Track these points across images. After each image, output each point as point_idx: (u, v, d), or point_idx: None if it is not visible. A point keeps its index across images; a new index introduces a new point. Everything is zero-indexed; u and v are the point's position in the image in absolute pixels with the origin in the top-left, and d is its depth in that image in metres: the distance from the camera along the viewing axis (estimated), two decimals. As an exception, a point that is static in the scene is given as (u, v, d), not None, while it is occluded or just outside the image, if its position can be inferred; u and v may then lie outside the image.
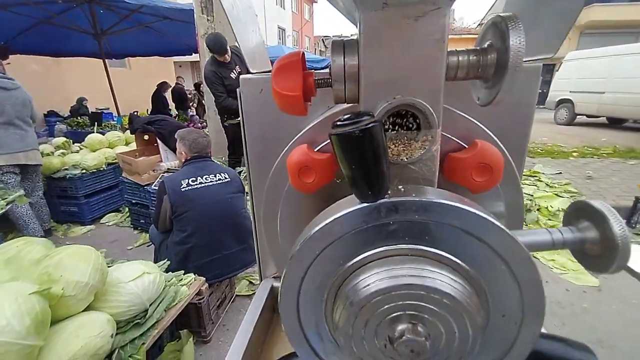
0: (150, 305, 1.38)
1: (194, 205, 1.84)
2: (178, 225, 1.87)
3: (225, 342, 1.94)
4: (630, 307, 2.16)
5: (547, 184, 4.02)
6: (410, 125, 0.32)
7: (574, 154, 5.84)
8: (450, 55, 0.30)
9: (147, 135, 3.35)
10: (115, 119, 7.29)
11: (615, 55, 8.30)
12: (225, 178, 2.01)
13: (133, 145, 3.91)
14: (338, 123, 0.24)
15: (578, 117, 9.61)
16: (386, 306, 0.24)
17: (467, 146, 0.39)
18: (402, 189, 0.28)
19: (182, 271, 1.71)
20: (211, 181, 1.93)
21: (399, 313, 0.25)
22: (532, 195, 3.74)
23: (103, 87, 6.77)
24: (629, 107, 7.99)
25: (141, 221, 3.23)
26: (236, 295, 2.33)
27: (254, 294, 2.44)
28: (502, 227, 0.26)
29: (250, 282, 2.46)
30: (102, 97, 7.70)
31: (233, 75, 3.39)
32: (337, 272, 0.27)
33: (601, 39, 13.41)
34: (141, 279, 1.38)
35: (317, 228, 0.27)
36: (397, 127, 0.32)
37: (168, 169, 2.85)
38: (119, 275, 1.36)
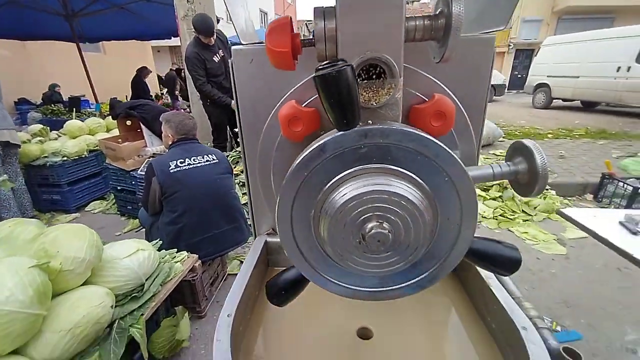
0: (146, 280, 1.44)
1: (183, 186, 1.87)
2: (168, 206, 1.91)
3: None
4: (593, 271, 2.37)
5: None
6: (378, 76, 0.39)
7: (549, 135, 6.12)
8: (409, 20, 0.37)
9: (129, 121, 3.30)
10: (92, 106, 7.04)
11: (589, 40, 8.60)
12: (213, 159, 2.04)
13: (115, 132, 3.84)
14: (319, 67, 0.30)
15: (554, 101, 9.98)
16: (359, 209, 0.32)
17: (427, 100, 0.47)
18: (371, 122, 0.35)
19: (175, 249, 1.76)
20: (199, 162, 1.97)
21: (368, 214, 0.32)
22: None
23: (77, 73, 6.50)
24: (601, 91, 8.35)
25: (128, 207, 3.23)
26: (228, 274, 2.40)
27: (245, 272, 2.50)
28: (446, 148, 0.34)
29: (241, 262, 2.54)
30: (76, 84, 7.41)
31: (216, 59, 3.36)
32: (319, 193, 0.35)
33: (579, 24, 13.79)
34: (136, 255, 1.43)
35: (302, 156, 0.34)
36: (367, 78, 0.39)
37: (154, 153, 2.85)
38: (113, 253, 1.41)
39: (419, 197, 0.32)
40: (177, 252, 1.76)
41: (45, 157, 3.31)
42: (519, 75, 17.00)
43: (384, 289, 0.40)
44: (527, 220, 3.10)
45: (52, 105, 6.48)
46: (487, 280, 0.56)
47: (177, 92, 7.73)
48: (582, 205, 3.51)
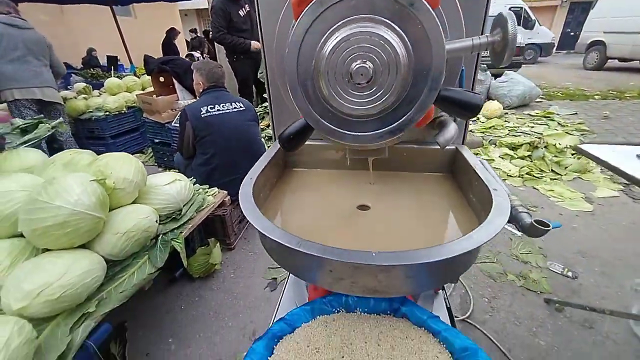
0: (183, 206, 1.64)
1: (213, 129, 2.03)
2: (200, 149, 2.09)
3: (247, 250, 2.26)
4: (618, 228, 2.31)
5: (559, 123, 3.99)
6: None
7: (596, 96, 5.63)
8: None
9: (162, 77, 3.48)
10: (126, 70, 7.36)
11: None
12: (241, 107, 2.17)
13: (149, 90, 4.07)
14: None
15: (609, 61, 8.99)
16: (346, 49, 0.41)
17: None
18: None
19: (207, 186, 1.95)
20: (227, 109, 2.10)
21: (354, 54, 0.41)
22: (541, 134, 3.76)
23: (111, 37, 6.73)
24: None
25: (165, 159, 3.50)
26: (254, 217, 2.62)
27: (269, 216, 2.68)
28: (428, 6, 0.41)
29: (266, 208, 2.74)
30: (111, 47, 7.69)
31: (242, 13, 3.37)
32: (319, 42, 0.43)
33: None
34: (174, 184, 1.62)
35: (304, 12, 0.43)
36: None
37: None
38: (155, 180, 1.61)
39: (398, 42, 0.40)
40: (209, 188, 1.95)
41: (90, 112, 3.62)
42: (572, 33, 15.27)
43: (369, 132, 0.49)
44: (556, 179, 3.01)
45: (91, 69, 6.85)
46: (474, 166, 0.64)
47: (205, 55, 7.85)
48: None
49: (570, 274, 1.87)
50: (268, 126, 3.45)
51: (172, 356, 1.53)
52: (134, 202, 1.47)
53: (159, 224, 1.51)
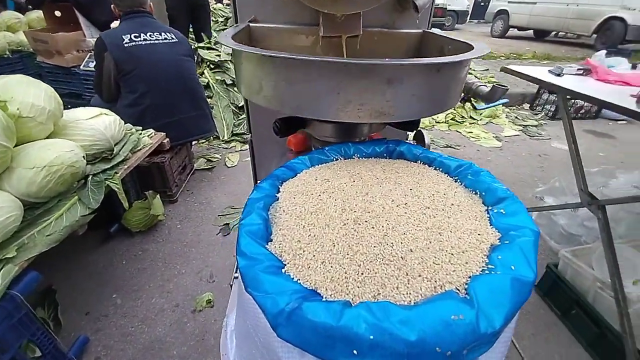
0: (115, 145, 1.44)
1: (141, 62, 1.75)
2: (127, 87, 1.80)
3: (192, 202, 2.12)
4: (519, 158, 2.80)
5: (475, 77, 4.49)
6: None
7: (501, 57, 6.45)
8: None
9: (58, 11, 2.83)
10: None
11: (550, -35, 8.57)
12: (172, 38, 1.90)
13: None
14: None
15: (510, 29, 10.20)
16: None
17: None
18: None
19: (140, 128, 1.72)
20: (156, 39, 1.82)
21: None
22: (461, 86, 4.19)
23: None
24: (553, 19, 8.66)
25: (74, 114, 2.96)
26: (195, 169, 2.44)
27: (213, 167, 2.53)
28: None
29: (208, 160, 2.57)
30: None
31: None
32: None
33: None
34: (100, 118, 1.39)
35: None
36: None
37: (96, 45, 2.54)
38: (75, 115, 1.36)
39: None
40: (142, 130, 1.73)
41: (-44, 54, 2.81)
42: (482, 4, 16.79)
43: None
44: (473, 123, 3.44)
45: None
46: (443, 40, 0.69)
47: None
48: (519, 112, 3.93)
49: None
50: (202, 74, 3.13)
51: (118, 310, 1.41)
52: (50, 137, 1.23)
53: (88, 163, 1.30)
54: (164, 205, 1.94)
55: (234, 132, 2.98)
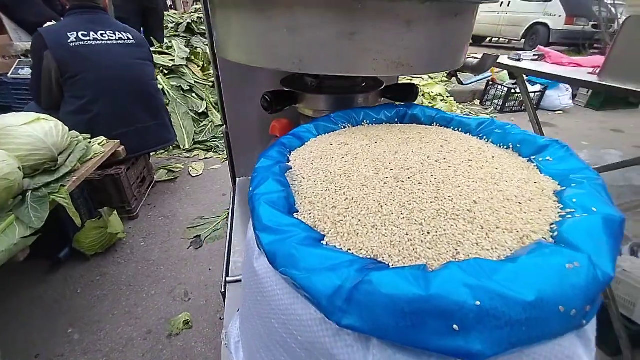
0: (59, 155, 1.24)
1: (91, 65, 1.54)
2: (72, 91, 1.57)
3: (155, 216, 1.91)
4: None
5: (429, 77, 4.73)
6: None
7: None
8: None
9: (-23, 15, 2.46)
10: None
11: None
12: (129, 39, 1.71)
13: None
14: None
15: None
16: None
17: None
18: None
19: (89, 136, 1.52)
20: (109, 39, 1.62)
21: None
22: (418, 85, 4.39)
23: None
24: (488, 26, 9.50)
25: (3, 130, 2.57)
26: (156, 182, 2.23)
27: (176, 178, 2.34)
28: None
29: (170, 170, 2.37)
30: None
31: None
32: None
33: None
34: (38, 123, 1.19)
35: None
36: None
37: (27, 50, 2.24)
38: (6, 122, 1.14)
39: None
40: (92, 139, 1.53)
41: None
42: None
43: None
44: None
45: None
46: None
47: None
48: (471, 108, 4.19)
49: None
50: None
51: (77, 347, 1.19)
52: (-29, 149, 1.01)
53: (25, 177, 1.09)
54: (123, 223, 1.72)
55: (196, 140, 2.79)
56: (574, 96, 4.13)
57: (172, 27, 4.16)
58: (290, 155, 0.41)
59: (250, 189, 0.33)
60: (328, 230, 0.28)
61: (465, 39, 0.50)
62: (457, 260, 0.24)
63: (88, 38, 1.55)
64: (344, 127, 0.48)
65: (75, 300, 1.36)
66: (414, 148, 0.39)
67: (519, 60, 1.53)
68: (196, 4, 6.60)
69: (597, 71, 1.20)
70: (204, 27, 4.29)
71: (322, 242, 0.27)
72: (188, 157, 2.62)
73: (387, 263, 0.25)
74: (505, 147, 0.43)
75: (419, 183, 0.32)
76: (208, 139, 2.85)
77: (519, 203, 0.30)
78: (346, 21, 0.38)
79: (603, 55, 1.86)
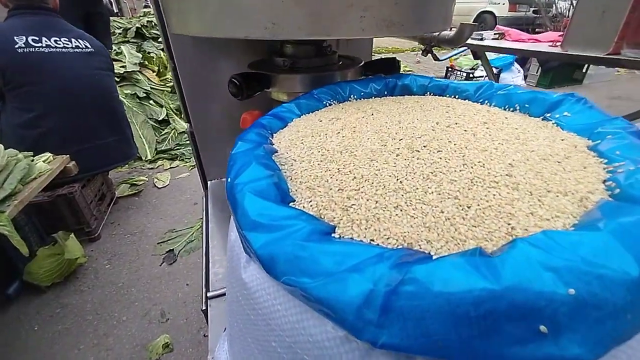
0: (-7, 176, 1.06)
1: (42, 75, 1.34)
2: (18, 102, 1.36)
3: (120, 235, 1.74)
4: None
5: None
6: None
7: (407, 51, 7.10)
8: None
9: None
10: None
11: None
12: (87, 47, 1.52)
13: None
14: None
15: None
16: None
17: None
18: None
19: (31, 153, 1.33)
20: (64, 46, 1.42)
21: None
22: (383, 76, 4.43)
23: None
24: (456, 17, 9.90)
25: None
26: (118, 197, 2.04)
27: (140, 192, 2.17)
28: None
29: (133, 184, 2.18)
30: None
31: None
32: None
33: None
34: (-38, 141, 1.01)
35: None
36: None
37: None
38: None
39: None
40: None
41: None
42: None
43: None
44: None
45: None
46: None
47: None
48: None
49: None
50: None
51: (39, 393, 1.04)
52: None
53: (-50, 205, 0.92)
54: (83, 246, 1.55)
55: (159, 150, 2.61)
56: (525, 77, 4.37)
57: (119, 33, 3.89)
58: (272, 138, 0.34)
59: (229, 179, 0.26)
60: (338, 218, 0.22)
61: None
62: (515, 237, 0.18)
63: (40, 44, 1.35)
64: (330, 105, 0.42)
65: (33, 340, 1.19)
66: (418, 115, 0.33)
67: (481, 39, 1.56)
68: (146, 8, 6.22)
69: (558, 44, 1.24)
70: (155, 31, 4.03)
71: (333, 235, 0.21)
72: (152, 169, 2.44)
73: (427, 252, 0.19)
74: (512, 109, 0.38)
75: (438, 150, 0.26)
76: (172, 147, 2.67)
77: (558, 162, 0.25)
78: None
79: (556, 32, 1.96)
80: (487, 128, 0.30)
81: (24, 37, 1.33)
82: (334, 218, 0.22)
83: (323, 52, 0.58)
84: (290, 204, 0.23)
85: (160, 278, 1.45)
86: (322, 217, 0.22)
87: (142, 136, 2.61)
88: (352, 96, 0.44)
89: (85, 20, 2.88)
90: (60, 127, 1.46)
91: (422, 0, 0.37)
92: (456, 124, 0.31)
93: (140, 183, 2.20)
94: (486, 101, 0.41)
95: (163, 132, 2.75)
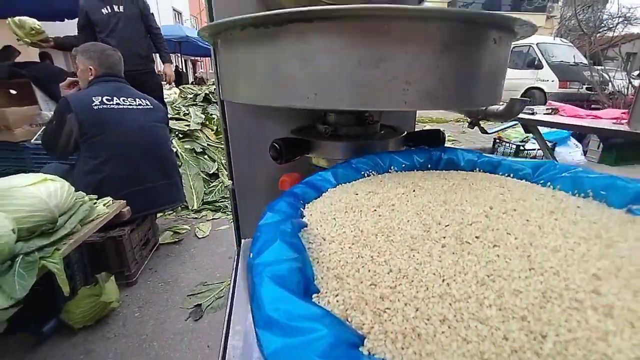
0: (60, 216, 1.18)
1: (109, 128, 1.59)
2: (88, 152, 1.59)
3: (155, 282, 1.77)
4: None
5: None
6: None
7: (451, 121, 7.18)
8: None
9: (13, 90, 2.69)
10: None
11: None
12: (147, 105, 1.80)
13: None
14: None
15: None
16: None
17: None
18: None
19: (96, 196, 1.48)
20: (130, 105, 1.71)
21: None
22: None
23: None
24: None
25: (18, 193, 2.60)
26: (160, 244, 2.13)
27: (180, 240, 2.26)
28: None
29: (175, 232, 2.28)
30: None
31: (105, 11, 2.56)
32: None
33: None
34: (44, 184, 1.15)
35: None
36: None
37: (53, 117, 2.37)
38: (12, 182, 1.11)
39: None
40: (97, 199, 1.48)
41: None
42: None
43: None
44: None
45: None
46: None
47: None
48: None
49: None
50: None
51: None
52: (-33, 211, 0.96)
53: (20, 239, 1.02)
54: (120, 289, 1.59)
55: (205, 201, 2.76)
56: (584, 152, 4.08)
57: (190, 98, 4.50)
58: (304, 209, 0.32)
59: (251, 255, 0.24)
60: (369, 326, 0.17)
61: (503, 72, 0.44)
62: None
63: (111, 102, 1.62)
64: (368, 175, 0.40)
65: (51, 387, 1.16)
66: (468, 197, 0.29)
67: (532, 114, 1.51)
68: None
69: (624, 122, 1.14)
70: (220, 96, 4.65)
71: (361, 349, 0.16)
72: (196, 218, 2.55)
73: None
74: (583, 196, 0.33)
75: (495, 245, 0.22)
76: (217, 199, 2.82)
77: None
78: (370, 45, 0.32)
79: (615, 109, 1.84)
80: (556, 219, 0.25)
81: (100, 97, 1.60)
82: (364, 324, 0.18)
83: (364, 121, 0.59)
84: (314, 297, 0.20)
85: (182, 334, 1.40)
86: (349, 319, 0.18)
87: (192, 187, 2.81)
88: (392, 168, 0.42)
89: (132, 81, 3.21)
90: (118, 172, 1.63)
91: (469, 74, 0.36)
92: (514, 210, 0.26)
93: (183, 232, 2.29)
94: (549, 183, 0.36)
95: (211, 185, 2.94)
